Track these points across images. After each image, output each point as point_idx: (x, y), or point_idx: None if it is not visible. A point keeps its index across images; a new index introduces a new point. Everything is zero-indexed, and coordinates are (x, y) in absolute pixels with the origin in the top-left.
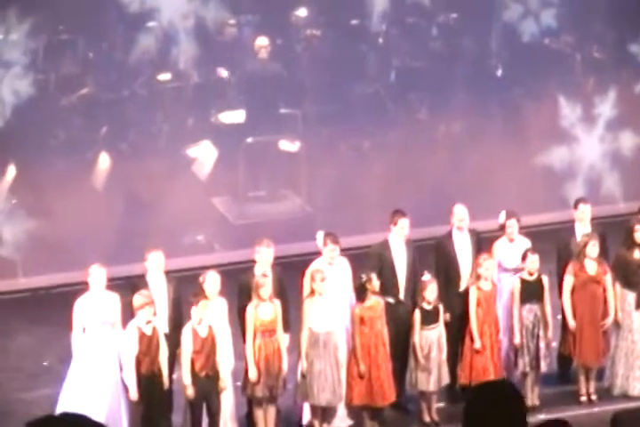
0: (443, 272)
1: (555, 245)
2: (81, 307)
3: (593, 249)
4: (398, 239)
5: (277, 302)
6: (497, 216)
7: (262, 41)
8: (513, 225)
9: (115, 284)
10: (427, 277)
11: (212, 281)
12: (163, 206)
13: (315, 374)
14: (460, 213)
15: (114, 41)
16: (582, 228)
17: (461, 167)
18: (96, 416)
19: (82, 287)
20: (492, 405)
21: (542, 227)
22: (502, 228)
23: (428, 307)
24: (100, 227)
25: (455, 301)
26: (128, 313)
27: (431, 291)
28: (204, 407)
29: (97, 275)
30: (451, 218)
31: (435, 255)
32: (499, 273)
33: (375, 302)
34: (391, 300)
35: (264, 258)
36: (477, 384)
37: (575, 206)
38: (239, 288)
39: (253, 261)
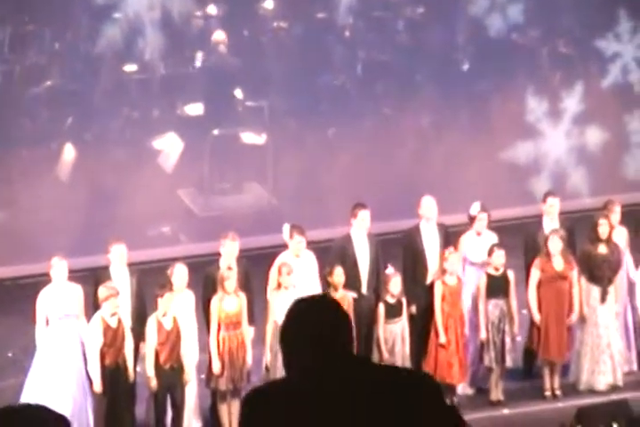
0: (410, 265)
1: (521, 239)
2: (44, 299)
3: (553, 244)
4: (360, 232)
5: (242, 295)
6: (462, 210)
7: (219, 35)
8: (484, 218)
9: (79, 275)
10: (390, 270)
11: (179, 274)
12: (128, 198)
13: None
14: (428, 204)
15: (79, 32)
16: (550, 222)
17: (427, 161)
18: (61, 408)
19: (47, 278)
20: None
21: (507, 221)
22: (472, 219)
23: (391, 300)
24: (64, 218)
25: (422, 294)
26: (90, 305)
27: (395, 284)
28: (169, 400)
29: (58, 267)
30: (418, 210)
31: (402, 248)
32: (465, 266)
33: (342, 296)
34: (353, 294)
35: (229, 251)
36: None
37: (544, 200)
38: (204, 281)
39: (219, 254)
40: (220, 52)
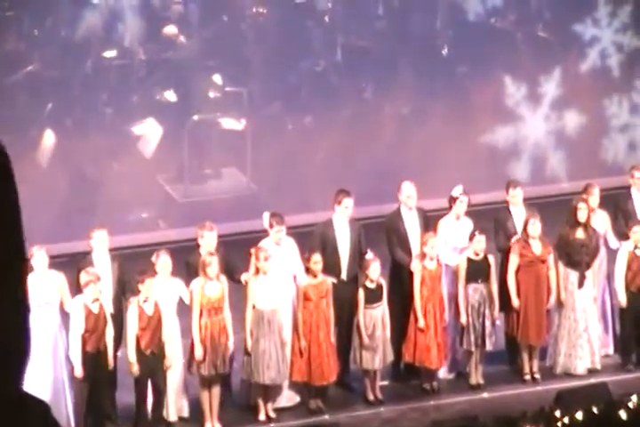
0: (394, 249)
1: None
2: None
3: (533, 228)
4: (342, 219)
5: (224, 280)
6: (442, 195)
7: (170, 29)
8: (465, 201)
9: (60, 261)
10: (370, 255)
11: (162, 262)
12: (108, 184)
13: (259, 352)
14: (408, 191)
15: (59, 18)
16: (516, 209)
17: (407, 146)
18: (39, 394)
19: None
20: None
21: (486, 205)
22: (453, 201)
23: (371, 285)
24: (44, 204)
25: (407, 278)
26: (74, 292)
27: (374, 269)
28: (150, 385)
29: (38, 256)
30: (398, 195)
31: (385, 232)
32: (446, 251)
33: (321, 281)
34: (333, 279)
35: (208, 242)
36: None
37: (506, 190)
38: (187, 270)
39: (198, 245)
40: (200, 38)
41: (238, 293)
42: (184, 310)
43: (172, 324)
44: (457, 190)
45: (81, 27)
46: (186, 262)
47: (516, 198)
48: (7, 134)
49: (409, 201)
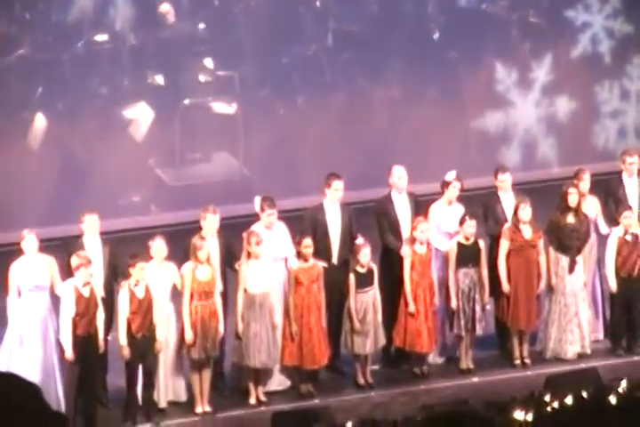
0: (385, 234)
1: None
2: (16, 271)
3: (523, 213)
4: (333, 203)
5: (215, 265)
6: (433, 180)
7: (164, 7)
8: (457, 186)
9: (51, 245)
10: (360, 240)
11: (157, 247)
12: (99, 167)
13: (250, 336)
14: (399, 172)
15: (50, 1)
16: (505, 194)
17: (398, 130)
18: (30, 377)
19: (18, 248)
20: None
21: (478, 190)
22: (446, 185)
23: (362, 270)
24: (36, 187)
25: (397, 263)
26: (65, 275)
27: (365, 254)
28: (141, 368)
29: (28, 240)
30: (389, 179)
31: (376, 217)
32: (434, 235)
33: (312, 265)
34: (324, 263)
35: (210, 224)
36: None
37: (495, 176)
38: (185, 253)
39: (191, 223)
40: (191, 22)
41: (229, 276)
42: (178, 293)
43: (166, 308)
44: (450, 175)
45: (72, 10)
46: (185, 247)
47: (504, 183)
48: None
49: (399, 182)
